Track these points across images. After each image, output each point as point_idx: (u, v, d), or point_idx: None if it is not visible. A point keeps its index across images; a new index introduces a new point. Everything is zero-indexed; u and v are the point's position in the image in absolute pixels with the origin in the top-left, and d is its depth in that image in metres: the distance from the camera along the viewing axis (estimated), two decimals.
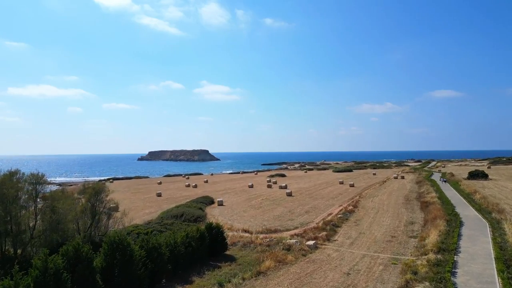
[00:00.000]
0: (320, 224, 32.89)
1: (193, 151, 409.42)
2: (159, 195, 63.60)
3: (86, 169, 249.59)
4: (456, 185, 63.03)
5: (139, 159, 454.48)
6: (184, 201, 54.98)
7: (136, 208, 49.94)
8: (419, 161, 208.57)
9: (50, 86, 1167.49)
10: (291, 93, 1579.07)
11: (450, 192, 53.29)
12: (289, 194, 57.52)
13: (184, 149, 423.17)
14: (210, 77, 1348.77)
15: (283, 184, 70.80)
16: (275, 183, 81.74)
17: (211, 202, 51.68)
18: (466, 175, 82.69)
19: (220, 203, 49.60)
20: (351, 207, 42.48)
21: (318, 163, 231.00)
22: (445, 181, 70.45)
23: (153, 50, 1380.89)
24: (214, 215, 41.60)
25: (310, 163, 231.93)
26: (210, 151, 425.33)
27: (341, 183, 75.75)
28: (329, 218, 36.29)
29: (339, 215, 37.60)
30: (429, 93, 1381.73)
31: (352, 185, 69.08)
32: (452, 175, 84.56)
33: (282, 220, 37.54)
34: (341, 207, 44.59)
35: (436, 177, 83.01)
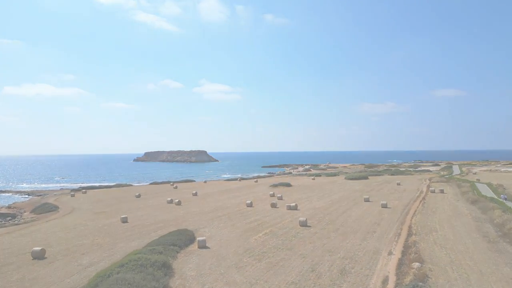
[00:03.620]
0: None
1: (191, 152, 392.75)
2: (124, 220, 46.49)
3: (74, 172, 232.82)
4: None
5: (135, 160, 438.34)
6: (154, 234, 38.57)
7: (76, 251, 32.80)
8: (436, 164, 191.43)
9: (47, 85, 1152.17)
10: (291, 92, 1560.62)
11: None
12: (303, 224, 40.35)
13: (182, 149, 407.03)
14: (209, 75, 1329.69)
15: (292, 204, 53.50)
16: (280, 198, 64.83)
17: (190, 240, 34.44)
18: None
19: (202, 244, 32.48)
20: (416, 263, 25.22)
21: (323, 166, 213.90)
22: (505, 199, 53.68)
23: (151, 48, 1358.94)
24: (185, 278, 24.40)
25: (314, 166, 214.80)
26: (209, 151, 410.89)
27: (367, 200, 58.55)
28: None
29: None
30: (431, 92, 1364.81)
31: (385, 206, 51.75)
32: (504, 187, 67.43)
33: None
34: (396, 258, 27.46)
35: (484, 189, 65.70)
